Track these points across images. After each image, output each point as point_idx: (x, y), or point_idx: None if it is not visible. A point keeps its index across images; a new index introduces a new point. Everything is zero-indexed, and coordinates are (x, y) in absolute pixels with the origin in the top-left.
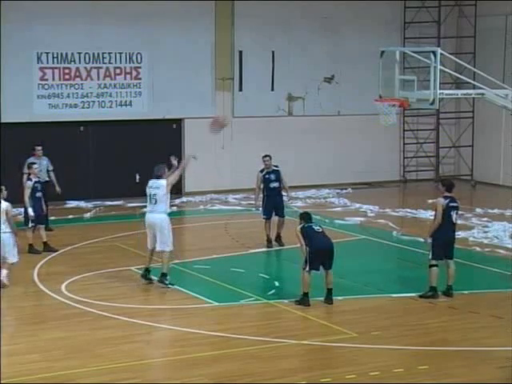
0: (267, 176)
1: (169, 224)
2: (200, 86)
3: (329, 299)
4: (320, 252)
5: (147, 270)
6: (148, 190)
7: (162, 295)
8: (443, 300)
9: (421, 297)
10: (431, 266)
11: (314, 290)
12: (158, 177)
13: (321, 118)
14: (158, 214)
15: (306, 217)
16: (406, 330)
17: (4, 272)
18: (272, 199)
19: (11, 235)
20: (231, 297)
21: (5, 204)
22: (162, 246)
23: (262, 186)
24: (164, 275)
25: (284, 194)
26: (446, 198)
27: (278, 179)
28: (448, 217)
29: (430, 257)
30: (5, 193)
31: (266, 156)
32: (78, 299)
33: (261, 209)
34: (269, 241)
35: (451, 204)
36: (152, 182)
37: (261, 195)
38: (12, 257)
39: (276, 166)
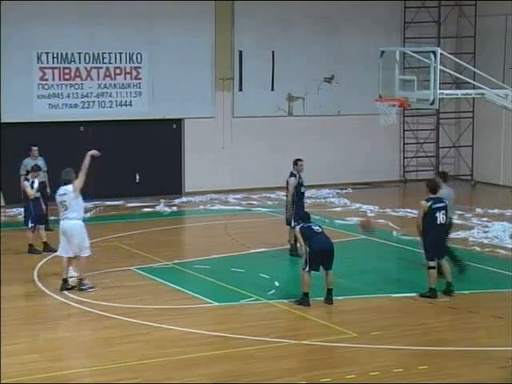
0: (300, 181)
1: (82, 230)
2: (200, 86)
3: (329, 299)
4: (320, 252)
5: (65, 281)
6: (57, 198)
7: (162, 295)
8: (443, 300)
9: (421, 296)
10: (429, 267)
11: (314, 290)
12: (67, 182)
13: (321, 118)
14: (70, 221)
15: (304, 216)
16: (406, 330)
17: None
18: (302, 204)
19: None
20: (231, 297)
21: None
22: (78, 251)
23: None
24: (81, 281)
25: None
26: (429, 199)
27: (304, 183)
28: (433, 218)
29: (425, 258)
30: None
31: (300, 160)
32: (78, 299)
33: (286, 215)
34: (292, 249)
35: (436, 205)
36: (60, 189)
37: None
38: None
39: None
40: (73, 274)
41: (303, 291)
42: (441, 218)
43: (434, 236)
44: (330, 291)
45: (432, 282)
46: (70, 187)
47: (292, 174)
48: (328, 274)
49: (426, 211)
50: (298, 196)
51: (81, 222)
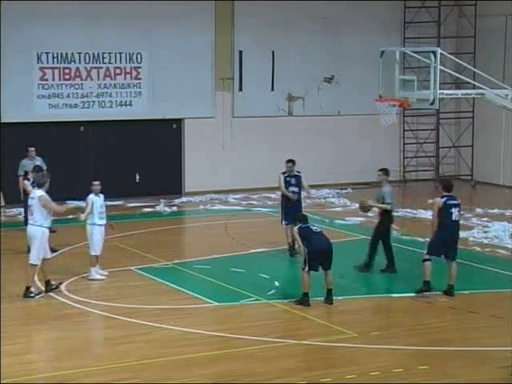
0: (288, 179)
1: (41, 238)
2: (200, 85)
3: (329, 299)
4: (319, 252)
5: (47, 283)
6: (29, 200)
7: (162, 295)
8: (443, 300)
9: (416, 292)
10: (424, 260)
11: (314, 290)
12: (38, 186)
13: (321, 117)
14: (32, 226)
15: (302, 218)
16: (406, 329)
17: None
18: (292, 204)
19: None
20: (231, 297)
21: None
22: (32, 257)
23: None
24: (27, 289)
25: (305, 193)
26: (443, 197)
27: (298, 184)
28: (448, 214)
29: (425, 252)
30: (98, 188)
31: (289, 162)
32: (78, 299)
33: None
34: (291, 249)
35: (449, 202)
36: (32, 192)
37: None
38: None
39: (298, 172)
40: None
41: (303, 291)
42: (455, 214)
43: (447, 232)
44: (329, 291)
45: (427, 275)
46: (38, 193)
47: (283, 172)
48: (327, 274)
49: (441, 207)
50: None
51: (41, 229)
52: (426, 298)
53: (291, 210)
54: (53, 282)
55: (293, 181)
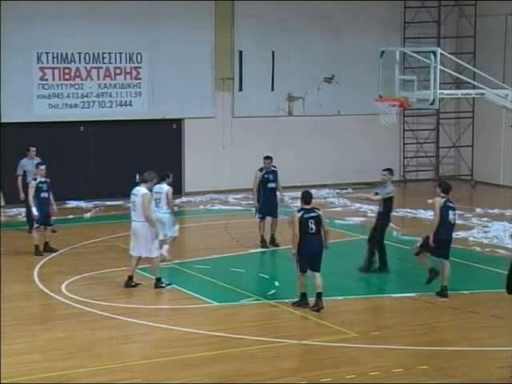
0: (266, 176)
1: (147, 232)
2: (200, 85)
3: (318, 305)
4: (309, 254)
5: (130, 278)
6: (131, 196)
7: (162, 295)
8: (443, 300)
9: (427, 283)
10: (416, 254)
11: (313, 290)
12: (142, 181)
13: (321, 118)
14: (136, 222)
15: (306, 197)
16: (406, 330)
17: (166, 247)
18: (268, 199)
19: (170, 215)
20: (231, 297)
21: (167, 187)
22: (148, 253)
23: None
24: (158, 280)
25: (277, 193)
26: (443, 197)
27: (275, 180)
28: (445, 216)
29: (418, 244)
30: (170, 180)
31: (268, 158)
32: (78, 299)
33: (254, 208)
34: (263, 241)
35: (448, 204)
36: (134, 189)
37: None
38: (172, 232)
39: (274, 167)
40: (163, 253)
41: (300, 292)
42: (451, 217)
43: (443, 233)
44: (319, 295)
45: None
46: (141, 190)
47: (260, 169)
48: (315, 276)
49: (442, 207)
50: (264, 191)
51: (146, 224)
52: (426, 298)
53: (267, 205)
54: (135, 280)
55: (271, 177)
